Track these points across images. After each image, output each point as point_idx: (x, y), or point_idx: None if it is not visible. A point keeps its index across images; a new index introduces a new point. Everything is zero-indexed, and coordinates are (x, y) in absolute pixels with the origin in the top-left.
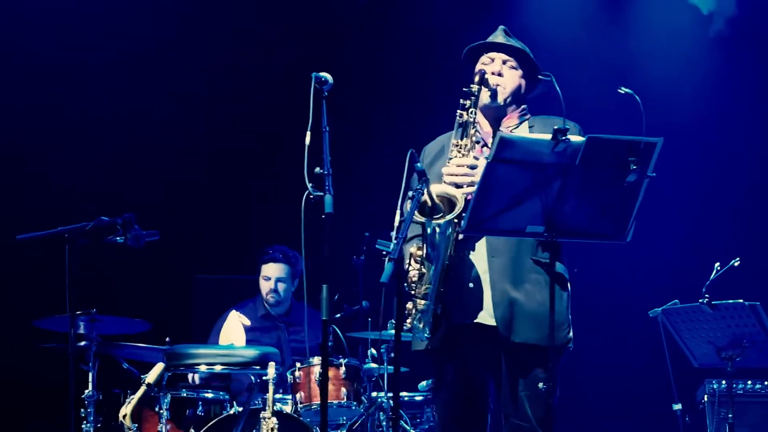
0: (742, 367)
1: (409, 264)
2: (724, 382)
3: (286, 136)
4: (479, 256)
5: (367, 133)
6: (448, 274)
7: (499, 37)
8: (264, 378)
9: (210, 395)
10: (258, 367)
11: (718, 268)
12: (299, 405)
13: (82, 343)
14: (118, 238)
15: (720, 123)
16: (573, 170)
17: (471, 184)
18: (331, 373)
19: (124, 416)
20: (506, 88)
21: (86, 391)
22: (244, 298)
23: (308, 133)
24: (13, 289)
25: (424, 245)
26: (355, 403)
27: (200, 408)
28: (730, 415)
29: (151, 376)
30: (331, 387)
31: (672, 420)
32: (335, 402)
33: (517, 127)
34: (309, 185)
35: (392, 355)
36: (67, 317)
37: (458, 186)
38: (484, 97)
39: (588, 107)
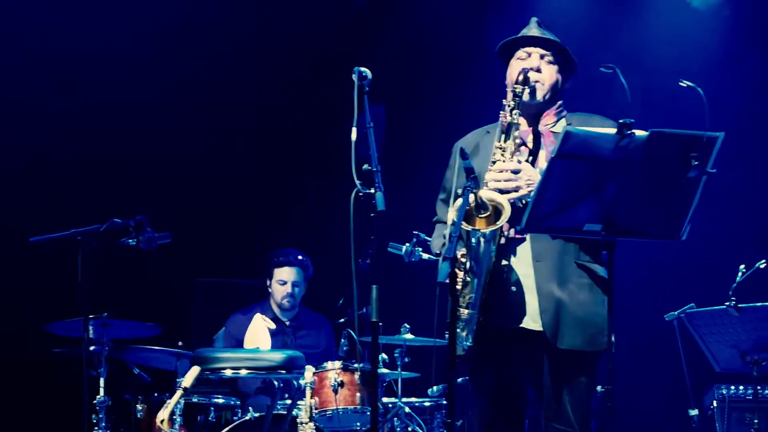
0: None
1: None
2: (733, 387)
3: (291, 139)
4: (523, 260)
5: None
6: (491, 281)
7: (533, 29)
8: (301, 382)
9: (221, 401)
10: (284, 372)
11: (744, 270)
12: (314, 411)
13: (92, 348)
14: (130, 241)
15: (746, 121)
16: (634, 166)
17: (515, 190)
18: (346, 378)
19: (162, 421)
20: (545, 84)
21: (98, 396)
22: (246, 302)
23: (353, 129)
24: (23, 291)
25: (468, 253)
26: (370, 408)
27: (212, 414)
28: (755, 421)
29: (187, 381)
30: (346, 392)
31: (687, 425)
32: (350, 407)
33: (554, 125)
34: (357, 182)
35: (406, 360)
36: (78, 321)
37: (502, 192)
38: (524, 94)
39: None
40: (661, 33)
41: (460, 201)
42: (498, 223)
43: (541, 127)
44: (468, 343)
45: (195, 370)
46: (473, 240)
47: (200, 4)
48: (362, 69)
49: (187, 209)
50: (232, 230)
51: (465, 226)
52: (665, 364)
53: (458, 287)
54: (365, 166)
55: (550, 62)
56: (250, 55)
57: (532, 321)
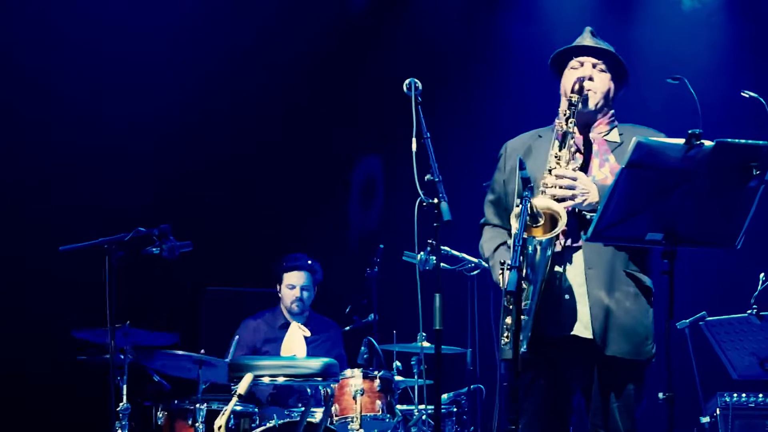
0: None
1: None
2: (736, 395)
3: (295, 147)
4: (576, 268)
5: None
6: (544, 289)
7: (587, 39)
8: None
9: (239, 408)
10: (320, 379)
11: (764, 279)
12: (334, 417)
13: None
14: (154, 249)
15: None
16: (697, 176)
17: (572, 198)
18: (365, 385)
19: (219, 428)
20: (597, 93)
21: (120, 404)
22: (255, 311)
23: (414, 140)
24: (47, 300)
25: (524, 261)
26: (389, 415)
27: (231, 421)
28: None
29: (241, 387)
30: (366, 399)
31: None
32: (370, 414)
33: (607, 134)
34: (420, 192)
35: (423, 367)
36: (100, 330)
37: (559, 200)
38: (579, 104)
39: None
40: (654, 34)
41: (518, 210)
42: (555, 231)
43: (593, 135)
44: (523, 349)
45: (248, 377)
46: (530, 248)
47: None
48: (414, 80)
49: (195, 218)
50: (242, 239)
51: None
52: (676, 372)
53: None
54: (428, 177)
55: (602, 71)
56: (256, 64)
57: (584, 328)
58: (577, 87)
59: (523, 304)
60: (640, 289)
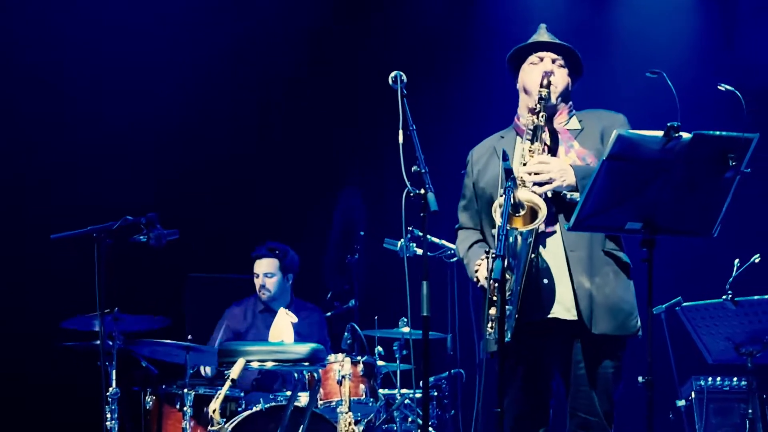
0: (761, 363)
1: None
2: (710, 378)
3: (280, 137)
4: (553, 251)
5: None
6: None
7: (544, 35)
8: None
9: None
10: (308, 364)
11: (738, 264)
12: (319, 402)
13: (98, 342)
14: (141, 238)
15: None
16: (676, 167)
17: (550, 181)
18: (350, 370)
19: (214, 411)
20: (558, 87)
21: (110, 388)
22: (238, 297)
23: (400, 132)
24: (35, 287)
25: (506, 251)
26: (372, 399)
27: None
28: (749, 411)
29: (234, 372)
30: (350, 384)
31: (676, 415)
32: (354, 399)
33: (567, 123)
34: (407, 183)
35: (405, 352)
36: (89, 317)
37: (540, 184)
38: (550, 97)
39: None
40: (632, 24)
41: (502, 200)
42: (536, 222)
43: (556, 126)
44: (507, 339)
45: (241, 362)
46: (511, 238)
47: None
48: (399, 73)
49: (179, 204)
50: (224, 226)
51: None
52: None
53: (494, 285)
54: (414, 168)
55: (561, 66)
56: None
57: (566, 311)
58: (545, 81)
59: (507, 293)
60: (620, 266)
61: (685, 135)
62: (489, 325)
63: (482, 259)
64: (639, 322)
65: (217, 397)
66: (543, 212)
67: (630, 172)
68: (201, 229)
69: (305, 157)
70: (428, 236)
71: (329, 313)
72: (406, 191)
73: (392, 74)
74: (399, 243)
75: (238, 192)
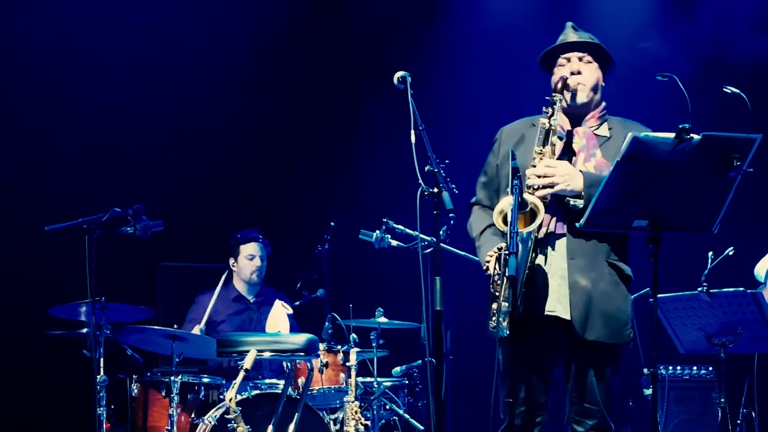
0: (733, 353)
1: (494, 266)
2: (671, 367)
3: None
4: (558, 253)
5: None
6: (529, 271)
7: (570, 35)
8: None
9: (207, 380)
10: (303, 354)
11: (712, 257)
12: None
13: (85, 330)
14: (128, 229)
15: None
16: (684, 167)
17: (551, 186)
18: (330, 359)
19: (230, 399)
20: (587, 85)
21: (98, 376)
22: (209, 286)
23: (412, 132)
24: (23, 279)
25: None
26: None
27: (202, 392)
28: (722, 399)
29: (247, 362)
30: (330, 373)
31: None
32: (334, 387)
33: (597, 128)
34: (421, 181)
35: (381, 341)
36: (75, 305)
37: (541, 187)
38: (565, 98)
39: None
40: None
41: (510, 199)
42: (533, 225)
43: (584, 129)
44: (507, 332)
45: (253, 353)
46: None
47: None
48: (406, 73)
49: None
50: (194, 216)
51: (502, 227)
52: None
53: (498, 282)
54: (427, 168)
55: (588, 62)
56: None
57: (564, 310)
58: (560, 86)
59: (507, 291)
60: (621, 278)
61: (695, 136)
62: (492, 319)
63: (494, 252)
64: (632, 333)
65: (233, 387)
66: (541, 214)
67: (641, 171)
68: (182, 220)
69: (276, 149)
70: (402, 227)
71: (297, 303)
72: (420, 190)
73: (398, 74)
74: (374, 234)
75: (217, 185)
